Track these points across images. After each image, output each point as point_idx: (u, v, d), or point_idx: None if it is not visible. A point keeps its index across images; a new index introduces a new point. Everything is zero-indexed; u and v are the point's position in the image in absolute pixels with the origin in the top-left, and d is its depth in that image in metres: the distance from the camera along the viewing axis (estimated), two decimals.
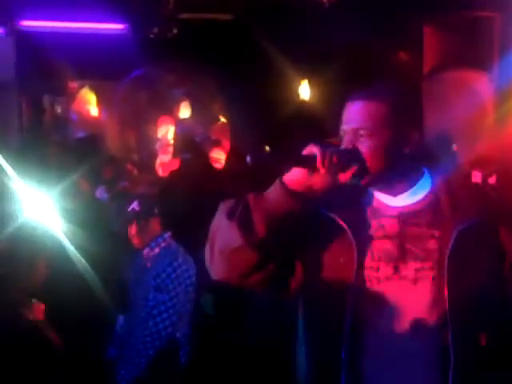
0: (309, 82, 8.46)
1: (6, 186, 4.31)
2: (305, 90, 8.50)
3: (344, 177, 2.11)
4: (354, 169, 2.11)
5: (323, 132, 6.78)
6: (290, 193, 2.11)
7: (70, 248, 4.09)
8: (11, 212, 3.97)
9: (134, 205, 4.08)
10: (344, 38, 6.88)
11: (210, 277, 2.32)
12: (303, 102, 8.51)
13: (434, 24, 4.78)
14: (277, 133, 7.26)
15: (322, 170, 2.08)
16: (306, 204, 2.12)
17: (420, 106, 2.25)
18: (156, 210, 4.16)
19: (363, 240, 2.20)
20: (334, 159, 2.08)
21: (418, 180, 2.21)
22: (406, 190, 2.20)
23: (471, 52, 4.59)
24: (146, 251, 4.10)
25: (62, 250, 4.04)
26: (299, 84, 8.51)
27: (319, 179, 2.10)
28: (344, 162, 2.10)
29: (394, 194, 2.21)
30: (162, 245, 4.08)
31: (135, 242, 4.11)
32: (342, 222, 2.20)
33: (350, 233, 2.19)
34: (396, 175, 2.18)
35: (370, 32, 6.40)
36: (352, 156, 2.13)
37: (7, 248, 3.32)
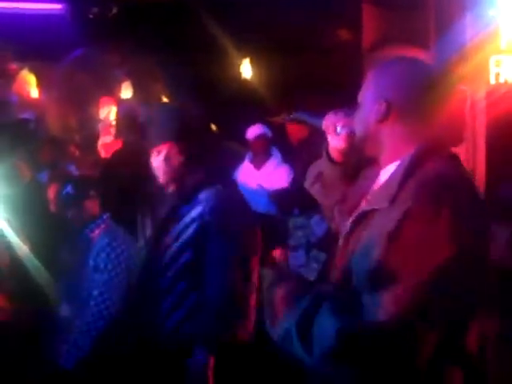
0: (250, 61, 8.45)
1: None
2: (247, 69, 8.49)
3: None
4: None
5: (266, 110, 6.82)
6: None
7: (11, 234, 4.06)
8: None
9: (68, 188, 4.08)
10: (284, 17, 6.89)
11: None
12: (245, 80, 8.51)
13: (372, 1, 4.80)
14: (221, 112, 7.24)
15: None
16: None
17: None
18: (92, 192, 4.16)
19: None
20: None
21: None
22: None
23: (409, 29, 4.62)
24: (85, 233, 4.10)
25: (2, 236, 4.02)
26: (241, 63, 8.49)
27: None
28: None
29: None
30: (102, 226, 4.10)
31: (74, 225, 4.12)
32: None
33: None
34: None
35: (309, 10, 6.43)
36: None
37: None
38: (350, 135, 2.50)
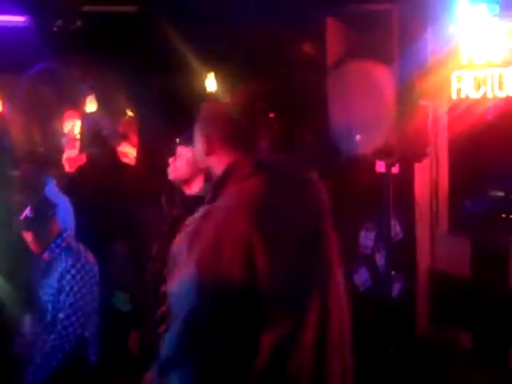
0: (215, 75, 8.46)
1: None
2: (211, 83, 8.50)
3: None
4: None
5: None
6: None
7: None
8: None
9: (27, 211, 3.98)
10: (248, 29, 6.90)
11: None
12: (210, 94, 8.51)
13: (335, 15, 4.81)
14: (185, 126, 7.22)
15: None
16: None
17: None
18: (51, 211, 4.08)
19: None
20: None
21: None
22: None
23: (372, 44, 4.65)
24: (46, 254, 4.03)
25: None
26: (206, 76, 8.50)
27: None
28: None
29: None
30: (62, 245, 4.03)
31: (33, 248, 4.04)
32: None
33: None
34: None
35: (274, 24, 6.44)
36: None
37: None
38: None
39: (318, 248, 2.69)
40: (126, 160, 6.75)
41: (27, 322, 4.17)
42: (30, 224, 3.99)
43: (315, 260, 2.69)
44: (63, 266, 3.95)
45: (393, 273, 4.87)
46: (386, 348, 4.64)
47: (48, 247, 4.02)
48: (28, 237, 4.02)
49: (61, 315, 3.89)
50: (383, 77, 4.51)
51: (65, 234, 4.08)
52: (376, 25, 4.64)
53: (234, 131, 2.82)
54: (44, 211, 4.05)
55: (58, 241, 4.04)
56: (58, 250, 4.02)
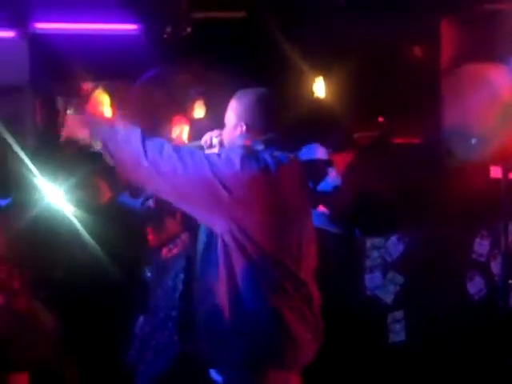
0: (324, 79, 8.39)
1: (25, 178, 4.37)
2: (320, 87, 8.43)
3: None
4: None
5: (340, 128, 6.77)
6: None
7: (94, 245, 4.09)
8: (30, 201, 4.02)
9: (150, 202, 4.06)
10: (358, 34, 6.83)
11: None
12: (318, 99, 8.45)
13: (451, 17, 4.72)
14: (292, 130, 7.20)
15: None
16: None
17: None
18: (172, 209, 4.13)
19: None
20: None
21: None
22: None
23: (488, 45, 4.53)
24: (164, 251, 4.07)
25: (83, 247, 4.05)
26: (314, 81, 8.44)
27: None
28: None
29: None
30: (181, 245, 4.05)
31: (150, 239, 4.10)
32: None
33: None
34: None
35: (385, 28, 6.35)
36: None
37: (27, 234, 3.38)
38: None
39: None
40: None
41: (142, 321, 4.22)
42: (151, 215, 4.07)
43: None
44: (179, 265, 3.98)
45: (510, 281, 4.74)
46: (503, 359, 4.50)
47: (166, 244, 4.07)
48: (148, 228, 4.09)
49: (173, 313, 3.92)
50: (500, 78, 4.39)
51: (183, 236, 4.11)
52: (492, 26, 4.52)
53: None
54: (167, 206, 4.11)
55: (177, 240, 4.07)
56: (175, 250, 4.06)
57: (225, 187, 3.06)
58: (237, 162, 3.11)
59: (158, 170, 3.12)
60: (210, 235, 3.22)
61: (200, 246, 3.31)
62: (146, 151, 3.17)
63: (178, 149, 3.21)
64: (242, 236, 3.08)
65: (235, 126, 3.39)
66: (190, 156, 3.13)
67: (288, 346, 3.13)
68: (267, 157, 3.20)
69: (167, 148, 3.19)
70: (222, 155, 3.19)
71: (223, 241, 3.12)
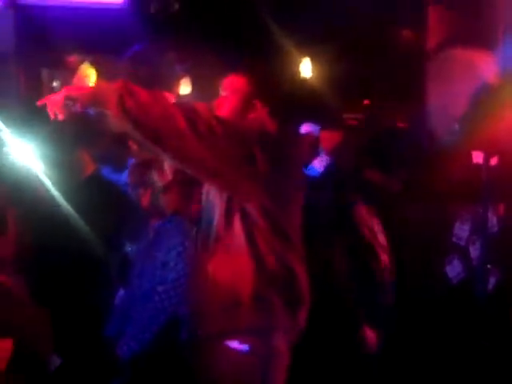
0: (310, 60, 8.40)
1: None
2: (306, 68, 8.44)
3: None
4: None
5: (326, 109, 6.78)
6: None
7: (73, 214, 4.08)
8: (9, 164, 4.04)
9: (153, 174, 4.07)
10: (346, 17, 6.83)
11: None
12: (304, 79, 8.47)
13: (438, 2, 4.73)
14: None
15: None
16: None
17: None
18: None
19: None
20: None
21: None
22: None
23: (475, 31, 4.55)
24: (157, 224, 4.07)
25: (63, 217, 4.04)
26: (300, 61, 8.45)
27: None
28: None
29: None
30: (175, 221, 4.04)
31: (144, 204, 4.10)
32: None
33: None
34: None
35: (373, 11, 6.37)
36: None
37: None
38: None
39: None
40: None
41: (122, 293, 4.22)
42: (151, 185, 4.08)
43: None
44: (172, 241, 3.96)
45: (489, 266, 4.77)
46: (478, 340, 4.56)
47: (161, 218, 4.07)
48: (146, 197, 4.10)
49: (159, 288, 3.91)
50: (485, 63, 4.41)
51: (179, 217, 4.08)
52: (480, 11, 4.54)
53: None
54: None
55: (172, 217, 4.07)
56: (169, 225, 4.04)
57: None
58: None
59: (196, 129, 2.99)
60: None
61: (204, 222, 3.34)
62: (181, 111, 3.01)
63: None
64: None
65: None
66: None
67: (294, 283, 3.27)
68: None
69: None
70: None
71: (243, 212, 3.20)
